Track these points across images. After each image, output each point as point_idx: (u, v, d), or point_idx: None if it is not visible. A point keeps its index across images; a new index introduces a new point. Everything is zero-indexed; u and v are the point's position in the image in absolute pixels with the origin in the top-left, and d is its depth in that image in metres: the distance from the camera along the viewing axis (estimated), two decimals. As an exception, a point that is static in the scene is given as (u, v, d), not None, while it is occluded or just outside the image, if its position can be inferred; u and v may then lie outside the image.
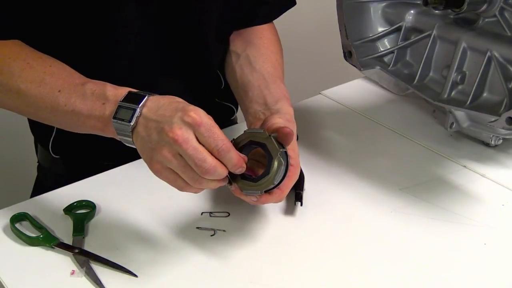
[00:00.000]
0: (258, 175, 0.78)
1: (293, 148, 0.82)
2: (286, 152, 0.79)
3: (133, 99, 0.76)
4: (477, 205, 0.91)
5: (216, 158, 0.72)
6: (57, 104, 0.80)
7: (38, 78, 0.82)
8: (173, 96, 0.76)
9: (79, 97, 0.79)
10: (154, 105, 0.75)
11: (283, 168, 0.78)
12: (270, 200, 0.80)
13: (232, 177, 0.77)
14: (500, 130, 0.97)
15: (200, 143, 0.72)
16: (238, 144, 0.78)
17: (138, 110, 0.75)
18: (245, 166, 0.75)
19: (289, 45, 1.15)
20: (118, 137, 0.78)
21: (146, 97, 0.76)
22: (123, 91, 0.78)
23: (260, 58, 0.99)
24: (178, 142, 0.71)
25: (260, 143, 0.78)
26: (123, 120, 0.75)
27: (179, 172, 0.73)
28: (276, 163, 0.77)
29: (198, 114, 0.72)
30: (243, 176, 0.77)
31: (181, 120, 0.72)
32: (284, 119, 0.84)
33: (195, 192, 0.76)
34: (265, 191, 0.78)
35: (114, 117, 0.76)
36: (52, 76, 0.82)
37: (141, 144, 0.75)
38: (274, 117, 0.84)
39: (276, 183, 0.77)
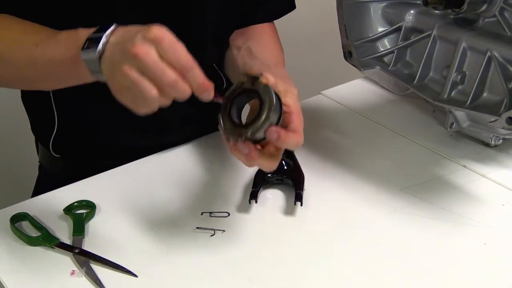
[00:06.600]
0: None
1: (293, 101, 0.78)
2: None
3: (101, 30, 0.73)
4: (477, 205, 0.91)
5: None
6: (35, 57, 0.80)
7: (17, 39, 0.82)
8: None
9: (54, 45, 0.79)
10: (123, 31, 0.72)
11: (272, 89, 0.74)
12: (289, 135, 0.74)
13: (239, 134, 0.73)
14: (500, 130, 0.97)
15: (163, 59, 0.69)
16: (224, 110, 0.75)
17: (104, 37, 0.71)
18: (212, 91, 0.71)
19: (289, 45, 1.15)
20: (92, 77, 0.74)
21: (114, 25, 0.73)
22: (95, 28, 0.75)
23: (261, 47, 0.99)
24: (139, 55, 0.67)
25: (241, 88, 0.75)
26: (89, 48, 0.72)
27: (135, 86, 0.68)
28: (262, 83, 0.73)
29: (161, 30, 0.69)
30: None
31: (143, 36, 0.69)
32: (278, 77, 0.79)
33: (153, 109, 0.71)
34: (275, 122, 0.73)
35: (82, 49, 0.73)
36: (30, 35, 0.82)
37: (107, 69, 0.72)
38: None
39: (275, 92, 0.73)
